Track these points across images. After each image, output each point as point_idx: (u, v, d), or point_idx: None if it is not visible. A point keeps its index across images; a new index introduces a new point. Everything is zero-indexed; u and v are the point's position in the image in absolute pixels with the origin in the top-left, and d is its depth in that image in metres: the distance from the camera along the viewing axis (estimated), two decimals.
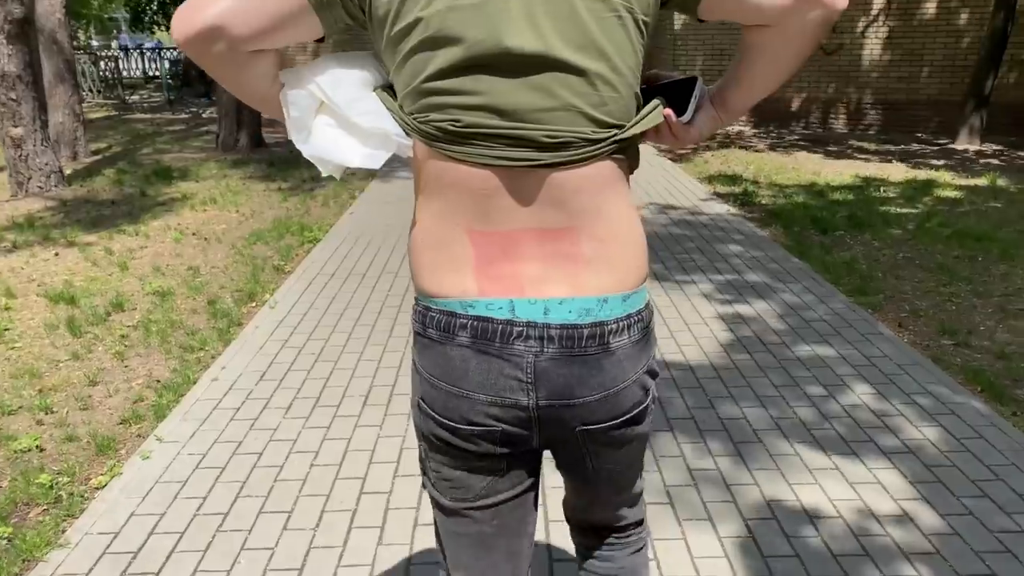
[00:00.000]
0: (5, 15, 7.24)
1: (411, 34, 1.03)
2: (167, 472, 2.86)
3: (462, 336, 1.12)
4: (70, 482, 2.83)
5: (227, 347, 4.00)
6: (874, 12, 11.55)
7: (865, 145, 10.70)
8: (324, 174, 1.22)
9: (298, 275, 5.15)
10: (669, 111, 1.16)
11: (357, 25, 1.10)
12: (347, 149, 1.16)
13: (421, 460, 1.31)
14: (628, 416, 1.20)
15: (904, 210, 6.80)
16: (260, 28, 1.05)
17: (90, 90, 17.43)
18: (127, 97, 17.84)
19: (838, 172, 8.65)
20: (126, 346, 4.08)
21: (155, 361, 3.89)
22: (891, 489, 2.69)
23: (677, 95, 1.19)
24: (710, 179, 8.34)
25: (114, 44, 32.14)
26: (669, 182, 8.17)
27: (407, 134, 1.12)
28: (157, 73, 20.09)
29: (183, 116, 15.11)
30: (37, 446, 3.09)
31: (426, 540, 2.46)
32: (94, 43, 36.99)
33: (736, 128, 12.33)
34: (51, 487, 2.78)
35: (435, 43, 1.02)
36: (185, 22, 1.04)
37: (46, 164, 7.88)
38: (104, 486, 2.80)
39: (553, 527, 2.50)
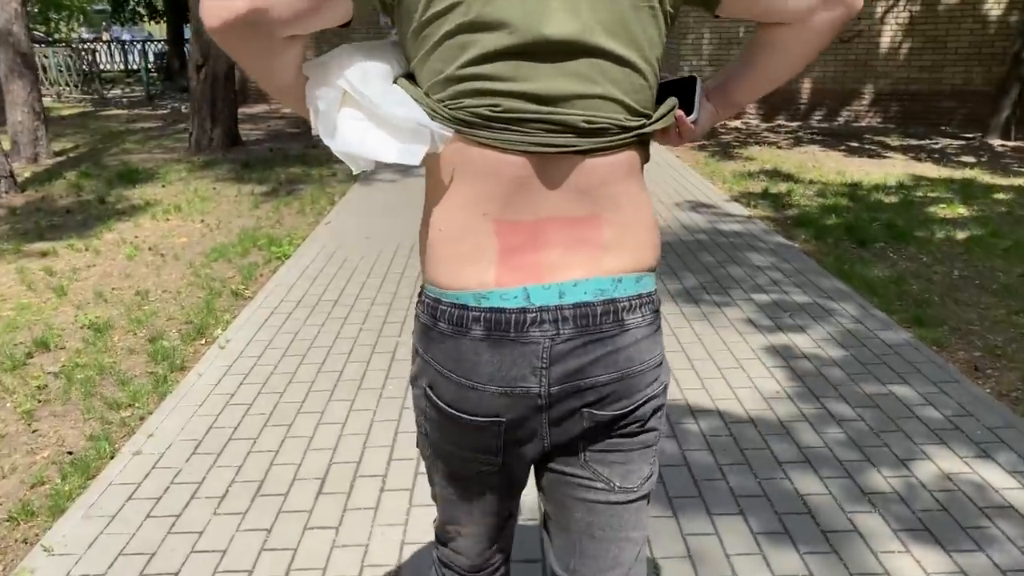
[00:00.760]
0: None
1: (448, 17, 1.01)
2: None
3: (476, 330, 1.10)
4: None
5: (162, 402, 3.29)
6: None
7: (886, 140, 9.97)
8: (355, 171, 1.14)
9: (259, 302, 4.42)
10: (681, 112, 1.18)
11: (383, 10, 1.08)
12: (379, 144, 1.09)
13: (419, 430, 1.28)
14: (637, 406, 1.17)
15: (948, 216, 6.08)
16: (299, 10, 1.00)
17: (66, 84, 16.64)
18: (106, 92, 17.05)
19: (864, 171, 7.93)
20: (40, 401, 3.36)
21: (71, 422, 3.18)
22: None
23: (679, 94, 1.19)
24: (727, 179, 7.61)
25: (105, 36, 31.36)
26: (683, 184, 7.44)
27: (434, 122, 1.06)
28: (138, 67, 19.23)
29: (162, 112, 14.34)
30: None
31: None
32: (85, 35, 36.16)
33: (748, 122, 11.59)
34: None
35: (474, 27, 1.00)
36: (225, 6, 0.96)
37: None
38: None
39: None
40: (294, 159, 9.09)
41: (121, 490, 2.66)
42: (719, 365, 3.51)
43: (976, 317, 4.03)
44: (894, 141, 9.87)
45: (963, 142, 9.69)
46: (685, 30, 11.57)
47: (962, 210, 6.25)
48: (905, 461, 2.74)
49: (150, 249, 5.64)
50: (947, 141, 9.84)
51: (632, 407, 1.16)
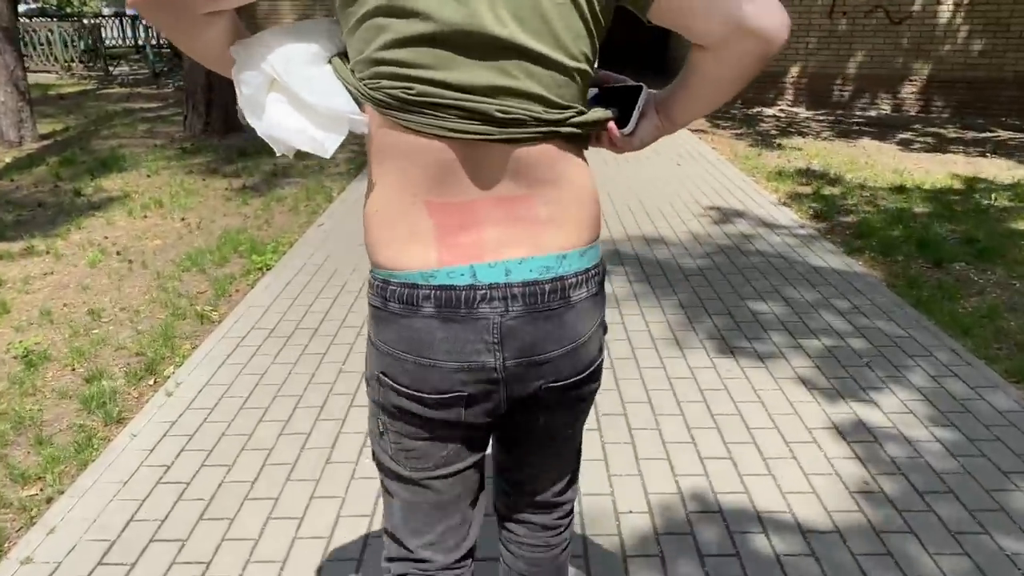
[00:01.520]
0: None
1: None
2: None
3: (427, 307, 1.12)
4: None
5: (80, 475, 2.61)
6: None
7: (942, 132, 9.09)
8: (278, 153, 1.16)
9: (225, 330, 3.73)
10: (612, 125, 1.18)
11: None
12: (295, 132, 1.12)
13: (376, 434, 1.29)
14: (588, 371, 1.23)
15: None
16: None
17: (72, 60, 16.00)
18: (112, 68, 16.40)
19: (924, 169, 7.09)
20: None
21: None
22: None
23: (625, 101, 1.20)
24: (772, 177, 6.80)
25: (130, 11, 30.74)
26: (720, 182, 6.65)
27: (358, 101, 1.09)
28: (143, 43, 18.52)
29: (165, 91, 13.66)
30: None
31: None
32: (105, 11, 35.60)
33: (787, 108, 10.72)
34: None
35: (391, 12, 1.00)
36: None
37: None
38: None
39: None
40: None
41: None
42: (786, 438, 2.77)
43: None
44: (951, 133, 8.99)
45: None
46: None
47: None
48: None
49: (118, 254, 4.96)
50: (1008, 134, 8.95)
51: (584, 371, 1.22)
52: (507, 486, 1.45)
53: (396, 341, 1.14)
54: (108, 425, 2.95)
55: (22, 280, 4.49)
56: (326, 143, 1.10)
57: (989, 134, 8.92)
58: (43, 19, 18.13)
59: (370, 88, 1.06)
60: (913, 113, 10.27)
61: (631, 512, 2.37)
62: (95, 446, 2.78)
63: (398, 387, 1.17)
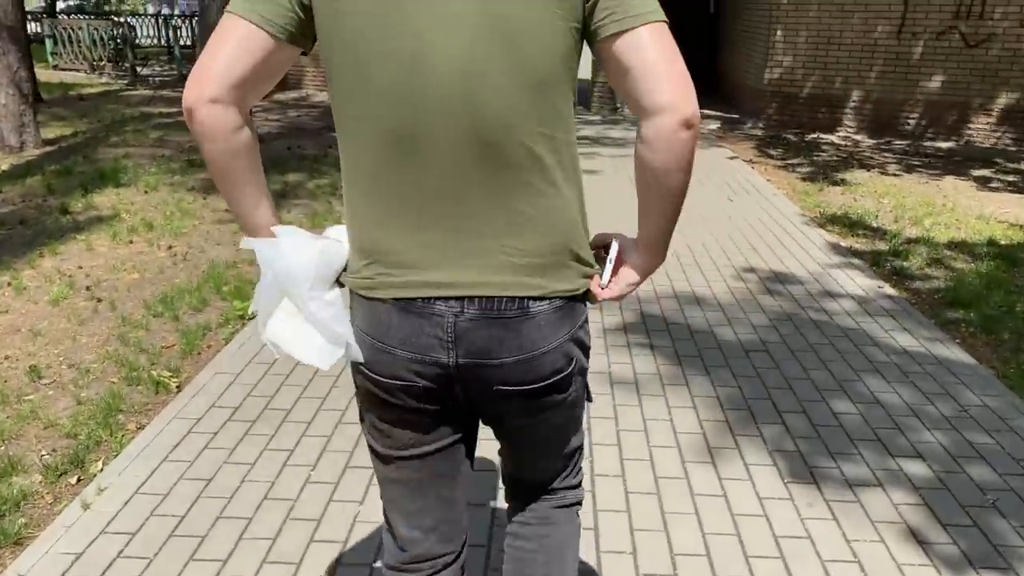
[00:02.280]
0: None
1: None
2: None
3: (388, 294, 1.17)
4: None
5: None
6: None
7: None
8: (275, 356, 1.25)
9: (179, 407, 3.04)
10: (593, 284, 1.25)
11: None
12: (296, 344, 1.20)
13: (360, 412, 1.36)
14: (548, 382, 1.23)
15: None
16: (246, 76, 1.11)
17: (99, 59, 15.62)
18: (140, 69, 15.99)
19: (1013, 214, 6.22)
20: None
21: None
22: None
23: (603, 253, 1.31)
24: (832, 221, 5.98)
25: (176, 10, 30.69)
26: (778, 221, 5.85)
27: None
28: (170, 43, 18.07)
29: None
30: None
31: None
32: (150, 9, 35.67)
33: (849, 135, 9.86)
34: None
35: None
36: (199, 90, 1.11)
37: None
38: None
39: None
40: (306, 163, 7.73)
41: None
42: None
43: None
44: None
45: None
46: (774, 23, 9.87)
47: None
48: None
49: (88, 288, 4.33)
50: None
51: (541, 381, 1.23)
52: (505, 476, 1.54)
53: (362, 322, 1.21)
54: (2, 548, 2.28)
55: None
56: (324, 360, 1.20)
57: None
58: (75, 16, 17.85)
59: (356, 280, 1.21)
60: (988, 145, 9.35)
61: None
62: None
63: (363, 368, 1.23)
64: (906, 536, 2.35)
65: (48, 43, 16.29)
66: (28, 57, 8.30)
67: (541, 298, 1.16)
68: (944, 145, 9.39)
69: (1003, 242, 5.44)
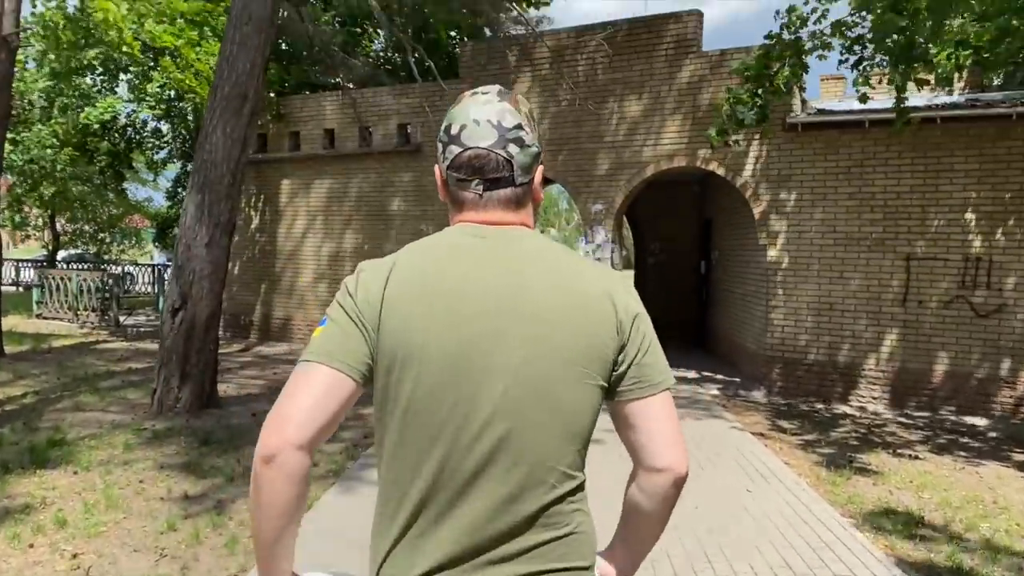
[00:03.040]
0: None
1: None
2: None
3: None
4: None
5: None
6: None
7: None
8: None
9: None
10: None
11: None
12: None
13: None
14: None
15: None
16: (328, 422, 1.27)
17: (84, 309, 15.37)
18: (123, 319, 15.70)
19: None
20: None
21: None
22: None
23: None
24: (876, 519, 5.10)
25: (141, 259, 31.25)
26: (807, 521, 4.96)
27: None
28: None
29: None
30: None
31: None
32: (155, 258, 36.77)
33: (865, 406, 9.20)
34: None
35: None
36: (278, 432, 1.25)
37: None
38: None
39: None
40: None
41: None
42: None
43: None
44: None
45: None
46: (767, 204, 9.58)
47: None
48: None
49: None
50: None
51: None
52: None
53: None
54: None
55: None
56: None
57: None
58: (66, 267, 17.93)
59: None
60: (1018, 421, 8.66)
61: None
62: None
63: None
64: None
65: (35, 292, 16.16)
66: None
67: None
68: (969, 420, 8.70)
69: None
